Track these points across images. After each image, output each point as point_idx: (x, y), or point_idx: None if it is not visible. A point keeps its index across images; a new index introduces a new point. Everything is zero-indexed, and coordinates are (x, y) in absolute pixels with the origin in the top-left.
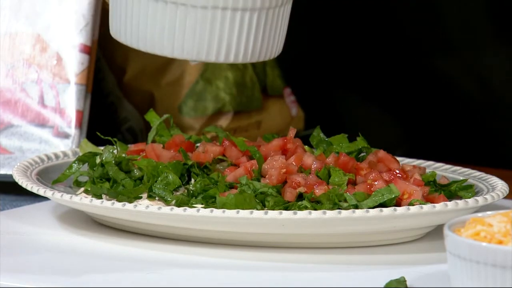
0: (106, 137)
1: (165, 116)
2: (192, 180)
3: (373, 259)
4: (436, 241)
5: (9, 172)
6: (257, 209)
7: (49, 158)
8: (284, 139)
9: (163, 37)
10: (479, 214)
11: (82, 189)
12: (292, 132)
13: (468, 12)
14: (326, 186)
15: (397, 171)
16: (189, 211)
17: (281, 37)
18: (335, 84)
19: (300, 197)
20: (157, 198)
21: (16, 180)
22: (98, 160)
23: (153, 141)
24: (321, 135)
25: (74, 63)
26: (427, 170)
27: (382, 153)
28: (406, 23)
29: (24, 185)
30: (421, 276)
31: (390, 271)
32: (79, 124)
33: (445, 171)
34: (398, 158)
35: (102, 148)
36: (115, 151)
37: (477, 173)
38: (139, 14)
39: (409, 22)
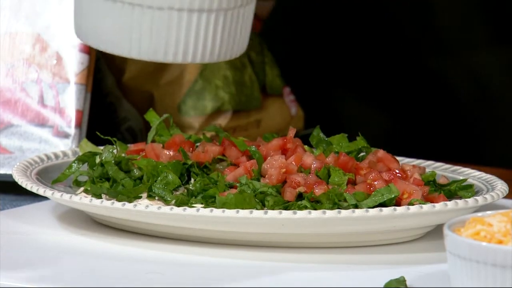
0: (106, 137)
1: (165, 115)
2: (192, 180)
3: (373, 259)
4: (436, 241)
5: (9, 172)
6: (256, 209)
7: (49, 157)
8: (284, 139)
9: (120, 37)
10: (479, 214)
11: (82, 188)
12: (291, 132)
13: (464, 13)
14: (325, 186)
15: (397, 171)
16: (189, 210)
17: (242, 38)
18: (334, 84)
19: (300, 196)
20: (156, 198)
21: (16, 180)
22: (97, 159)
23: (153, 141)
24: (321, 134)
25: (74, 63)
26: (427, 170)
27: (381, 152)
28: (405, 23)
29: (24, 185)
30: (421, 276)
31: (390, 271)
32: (78, 124)
33: (445, 171)
34: (398, 158)
35: (101, 148)
36: (114, 151)
37: (477, 173)
38: (97, 15)
39: (408, 22)
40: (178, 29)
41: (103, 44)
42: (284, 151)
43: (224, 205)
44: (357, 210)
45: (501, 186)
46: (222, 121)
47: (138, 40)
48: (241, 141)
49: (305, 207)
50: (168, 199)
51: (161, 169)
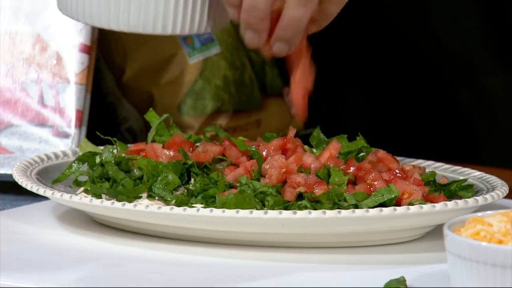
0: (106, 137)
1: (165, 115)
2: (192, 180)
3: (373, 259)
4: (436, 241)
5: (9, 172)
6: (256, 209)
7: (49, 157)
8: (284, 139)
9: (100, 9)
10: (479, 214)
11: (82, 188)
12: (292, 132)
13: (464, 14)
14: (326, 186)
15: (397, 171)
16: (189, 210)
17: (223, 11)
18: (334, 84)
19: (300, 197)
20: (156, 198)
21: (16, 180)
22: (98, 159)
23: (153, 141)
24: (321, 135)
25: (74, 63)
26: (427, 170)
27: (381, 152)
28: (405, 23)
29: (24, 185)
30: (421, 276)
31: (390, 271)
32: (79, 124)
33: (445, 171)
34: (398, 158)
35: (101, 147)
36: (114, 151)
37: (477, 173)
38: None
39: (407, 23)
40: (157, 0)
41: (83, 17)
42: (284, 151)
43: (224, 205)
44: (357, 210)
45: (501, 186)
46: (222, 121)
47: (117, 12)
48: (241, 141)
49: (305, 207)
50: (168, 199)
51: (161, 169)
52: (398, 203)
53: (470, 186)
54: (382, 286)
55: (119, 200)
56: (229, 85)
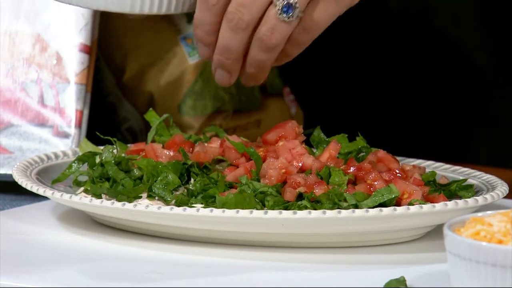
0: (106, 137)
1: (165, 115)
2: (192, 180)
3: (373, 259)
4: (436, 241)
5: (9, 172)
6: (256, 209)
7: (49, 157)
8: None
9: None
10: (479, 214)
11: (82, 188)
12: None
13: (464, 14)
14: (326, 186)
15: (397, 171)
16: (189, 210)
17: None
18: (334, 84)
19: (300, 197)
20: (156, 198)
21: (16, 180)
22: (97, 159)
23: (153, 141)
24: (321, 135)
25: (74, 63)
26: (427, 170)
27: (381, 152)
28: (405, 22)
29: (24, 185)
30: (421, 276)
31: (390, 270)
32: (78, 124)
33: (445, 171)
34: (398, 158)
35: (101, 147)
36: (114, 151)
37: (477, 172)
38: None
39: (408, 21)
40: None
41: None
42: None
43: (224, 205)
44: (357, 210)
45: (501, 186)
46: (222, 121)
47: None
48: (239, 144)
49: (305, 207)
50: (168, 199)
51: (161, 169)
52: (398, 203)
53: (470, 186)
54: (382, 286)
55: (119, 200)
56: None
